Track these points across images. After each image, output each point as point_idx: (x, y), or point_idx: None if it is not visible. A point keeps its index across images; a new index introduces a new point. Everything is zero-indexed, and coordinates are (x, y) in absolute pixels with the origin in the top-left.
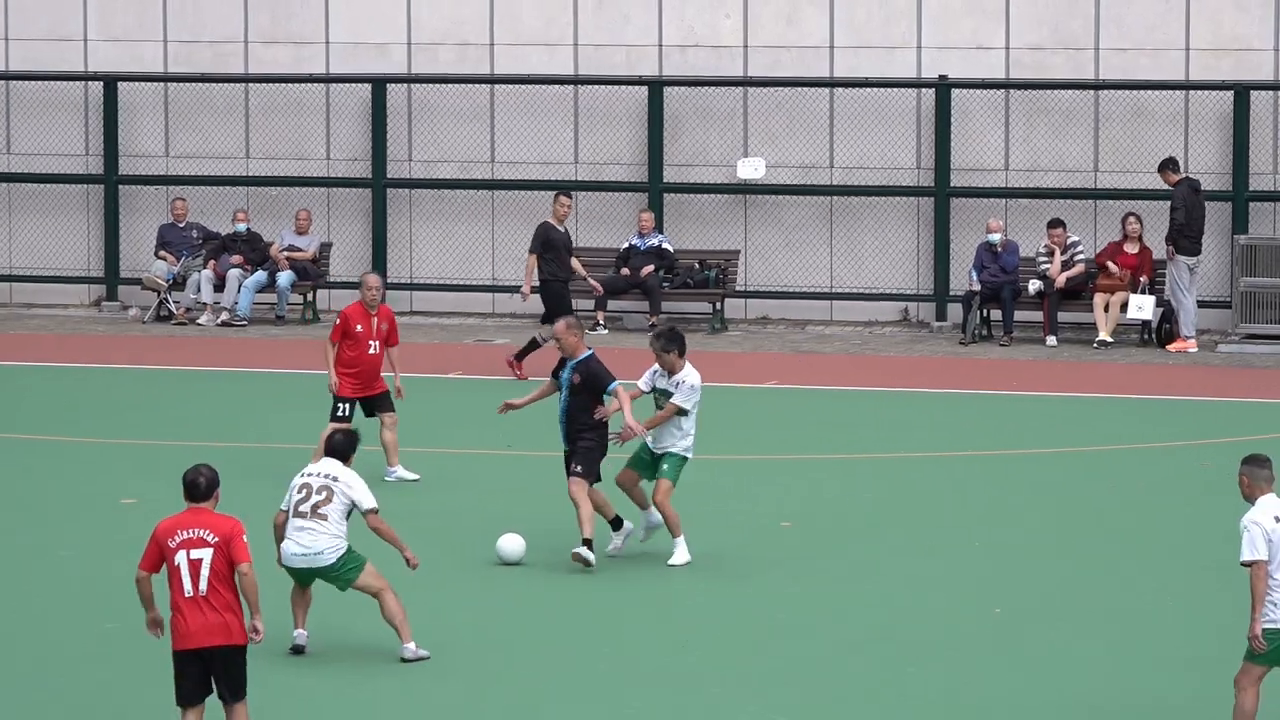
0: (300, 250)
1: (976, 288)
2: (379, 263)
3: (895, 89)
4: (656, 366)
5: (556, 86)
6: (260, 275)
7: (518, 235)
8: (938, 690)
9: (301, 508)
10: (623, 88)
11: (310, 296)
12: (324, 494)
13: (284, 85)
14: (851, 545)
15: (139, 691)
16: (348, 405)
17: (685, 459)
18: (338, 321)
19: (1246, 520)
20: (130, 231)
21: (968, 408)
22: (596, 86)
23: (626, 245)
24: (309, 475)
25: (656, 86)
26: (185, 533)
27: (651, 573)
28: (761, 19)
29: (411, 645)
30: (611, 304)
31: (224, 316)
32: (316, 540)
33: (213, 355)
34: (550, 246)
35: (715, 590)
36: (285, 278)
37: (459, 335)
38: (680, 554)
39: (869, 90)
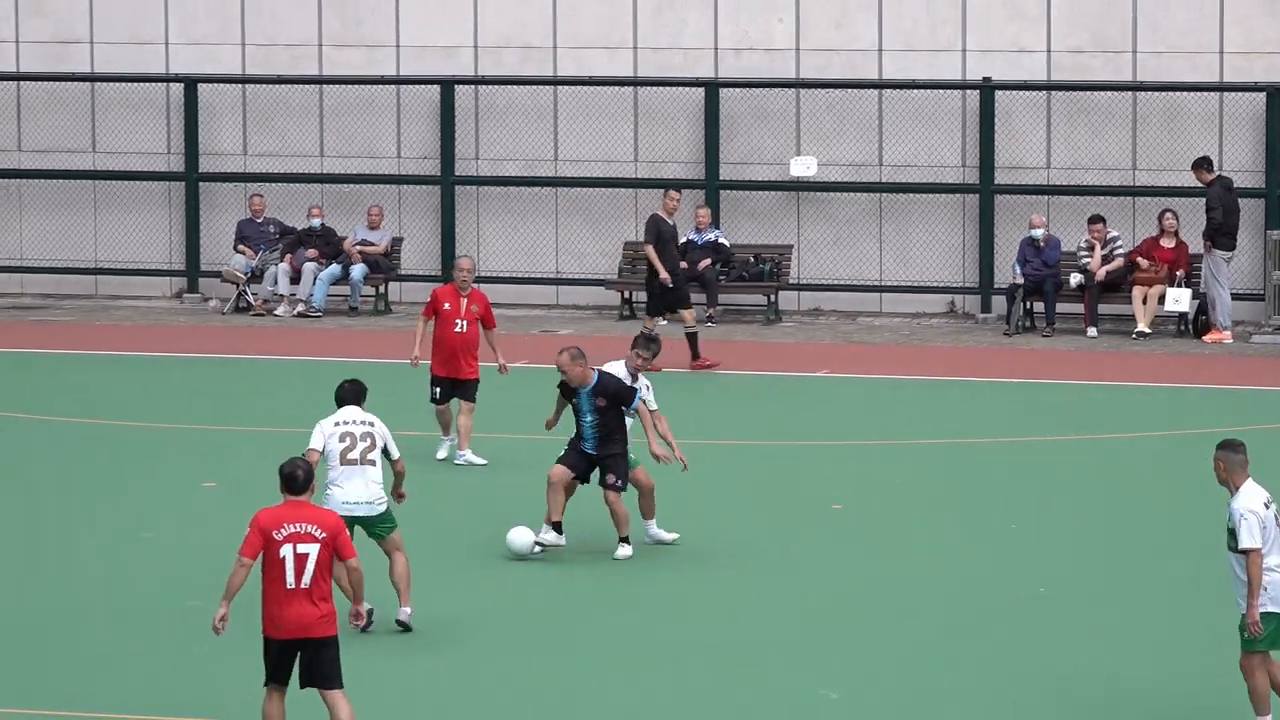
0: (372, 244)
1: (1020, 281)
2: (447, 256)
3: (941, 90)
4: (616, 369)
5: (617, 88)
6: (334, 268)
7: (580, 230)
8: (983, 664)
9: (350, 455)
10: (680, 89)
11: (382, 289)
12: (368, 440)
13: (356, 86)
14: (899, 527)
15: (225, 665)
16: (438, 389)
17: None
18: (429, 299)
19: (1242, 509)
20: (210, 226)
21: (1011, 396)
22: (655, 88)
23: (684, 240)
24: (347, 424)
25: (713, 88)
26: (291, 526)
27: (704, 554)
28: (813, 23)
29: (408, 609)
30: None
31: (300, 308)
32: (371, 489)
33: (289, 345)
34: (661, 238)
35: (768, 568)
36: (358, 271)
37: (525, 326)
38: (667, 534)
39: (916, 92)
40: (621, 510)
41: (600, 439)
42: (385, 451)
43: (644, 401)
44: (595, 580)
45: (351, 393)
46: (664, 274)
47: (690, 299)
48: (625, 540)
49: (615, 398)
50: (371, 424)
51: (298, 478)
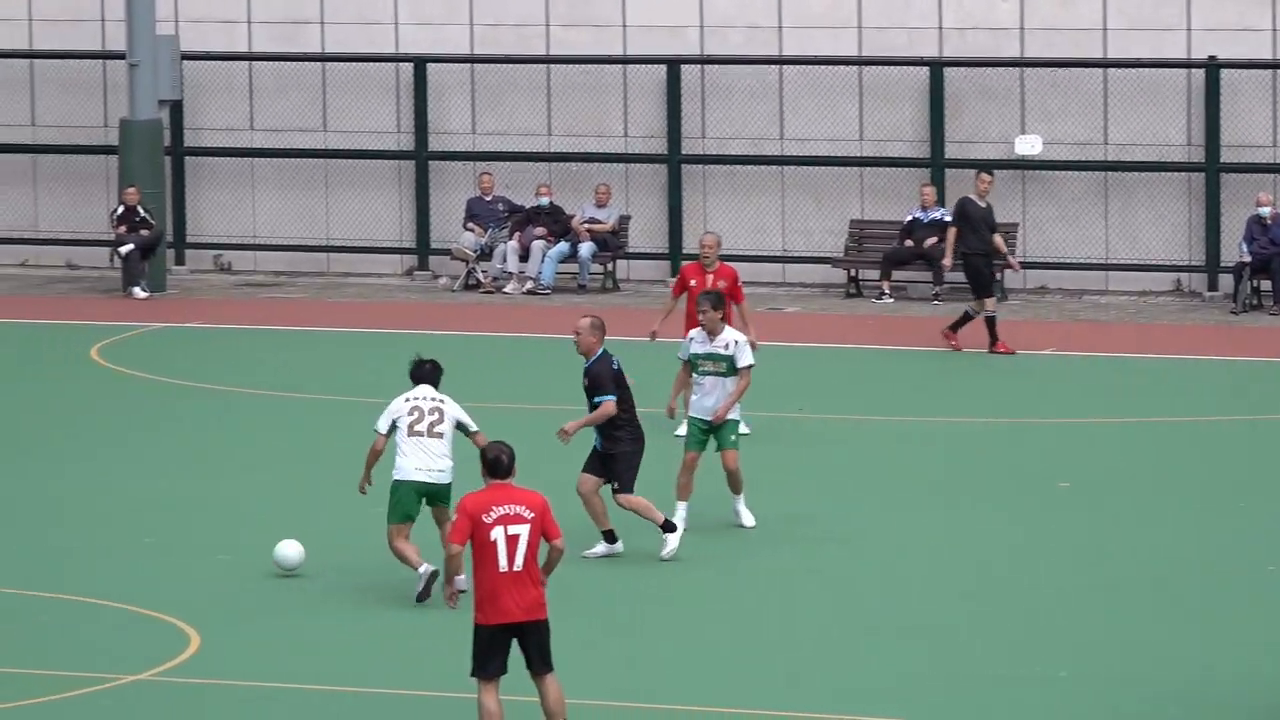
0: (600, 222)
1: (1247, 259)
2: (675, 235)
3: (1166, 69)
4: (693, 334)
5: (842, 67)
6: (563, 246)
7: (806, 209)
8: (1214, 643)
9: (417, 428)
10: (905, 68)
11: (610, 266)
12: (436, 414)
13: (583, 66)
14: (1126, 505)
15: (438, 640)
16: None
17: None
18: (677, 277)
19: None
20: (440, 205)
21: (1241, 374)
22: (880, 67)
23: (910, 218)
24: (416, 400)
25: (937, 67)
26: (501, 509)
27: (929, 532)
28: (1037, 2)
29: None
30: (896, 274)
31: (529, 285)
32: (439, 460)
33: (519, 322)
34: (967, 220)
35: (995, 547)
36: (586, 249)
37: (752, 304)
38: (747, 516)
39: (1141, 70)
40: (639, 503)
41: (601, 430)
42: (462, 427)
43: (715, 359)
44: (805, 555)
45: (429, 373)
46: (947, 258)
47: (992, 287)
48: (667, 525)
49: (592, 383)
50: (442, 401)
51: (502, 462)
